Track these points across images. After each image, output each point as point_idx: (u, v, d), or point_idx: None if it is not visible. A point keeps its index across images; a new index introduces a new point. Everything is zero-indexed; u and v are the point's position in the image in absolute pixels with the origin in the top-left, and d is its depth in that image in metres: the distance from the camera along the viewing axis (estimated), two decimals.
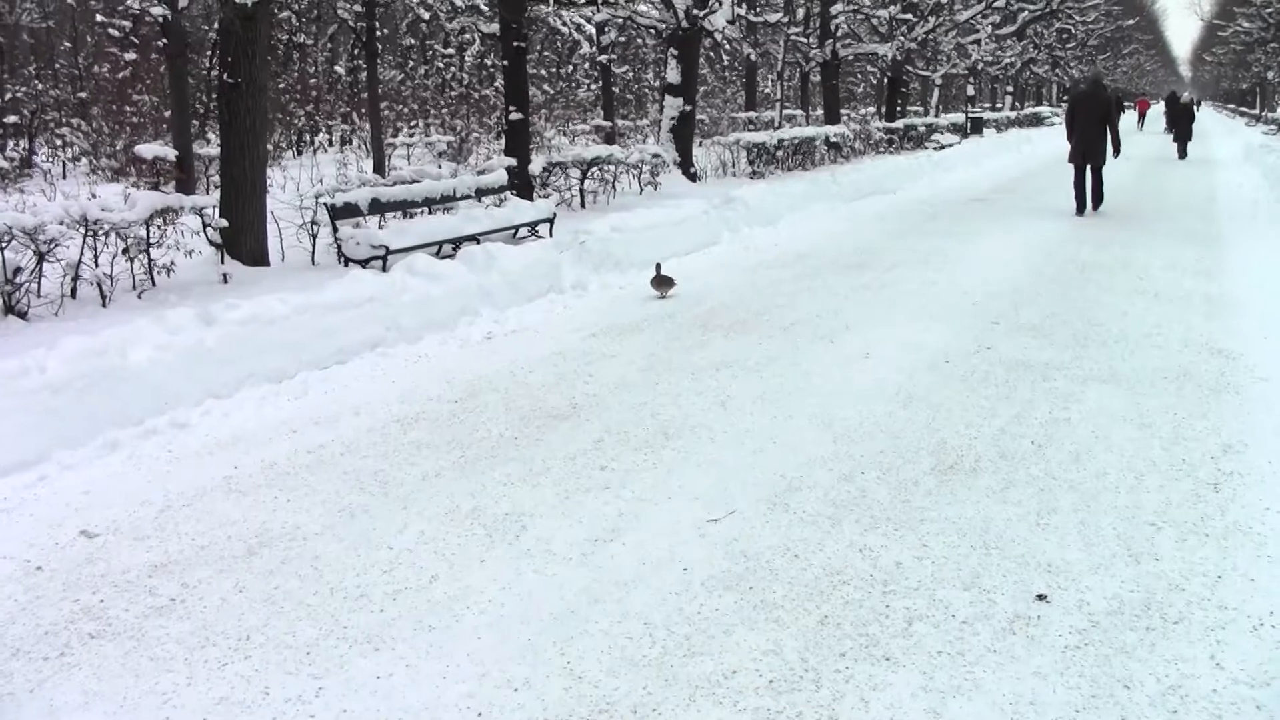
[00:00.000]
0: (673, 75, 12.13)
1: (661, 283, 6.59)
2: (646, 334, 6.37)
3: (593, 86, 25.79)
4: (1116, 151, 9.88)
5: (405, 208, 10.06)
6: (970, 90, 24.25)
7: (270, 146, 11.25)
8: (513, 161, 10.13)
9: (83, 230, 6.06)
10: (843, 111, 18.51)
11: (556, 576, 2.88)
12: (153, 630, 2.57)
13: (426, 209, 10.42)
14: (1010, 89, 35.03)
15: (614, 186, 13.85)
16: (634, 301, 8.13)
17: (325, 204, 8.59)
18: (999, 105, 36.33)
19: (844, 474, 3.65)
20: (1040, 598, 2.55)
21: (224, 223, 7.23)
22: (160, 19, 9.87)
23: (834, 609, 2.62)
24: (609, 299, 8.34)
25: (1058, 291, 6.13)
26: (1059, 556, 2.77)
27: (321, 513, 3.51)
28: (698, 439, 4.20)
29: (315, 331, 5.79)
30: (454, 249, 9.77)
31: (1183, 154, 17.16)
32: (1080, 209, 9.62)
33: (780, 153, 14.18)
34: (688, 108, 12.49)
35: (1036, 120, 32.37)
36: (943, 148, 17.31)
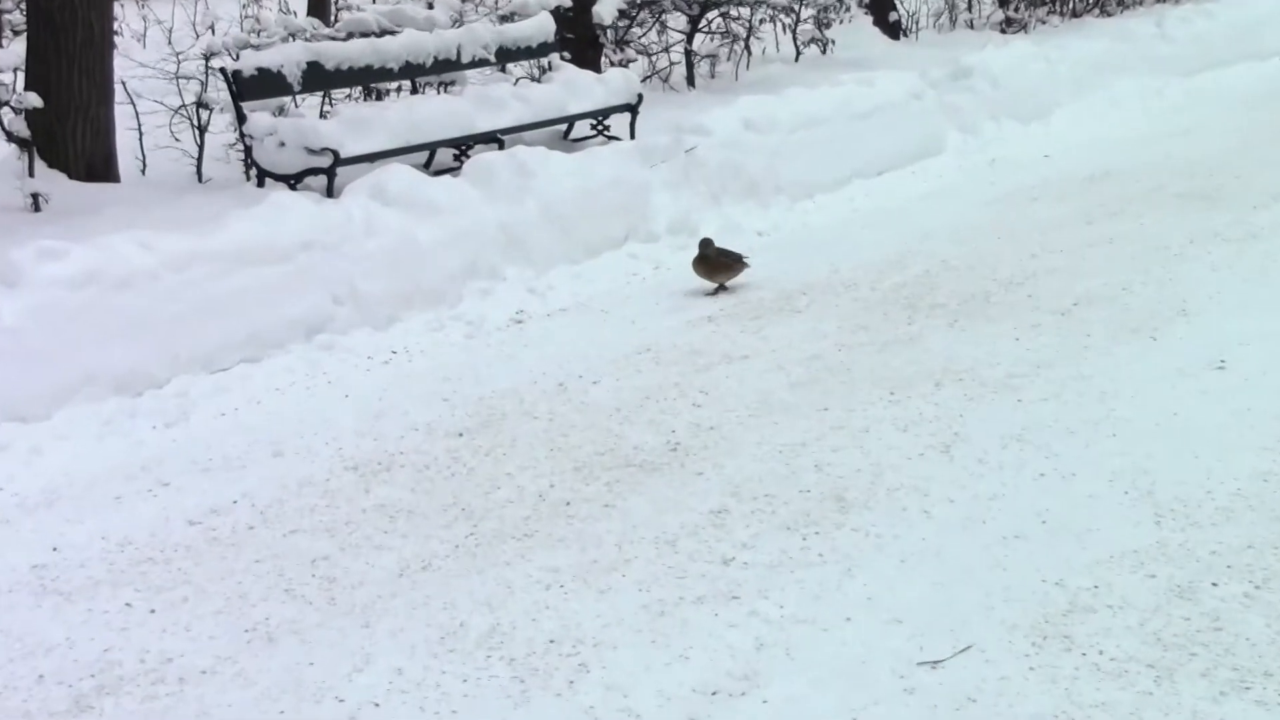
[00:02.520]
0: None
1: (713, 266, 6.99)
2: (806, 317, 6.82)
3: None
4: None
5: (370, 81, 9.80)
6: None
7: None
8: None
9: None
10: None
11: None
12: None
13: (408, 84, 10.22)
14: None
15: (748, 47, 13.06)
16: (781, 257, 8.18)
17: (223, 72, 9.06)
18: None
19: (1178, 585, 3.80)
20: None
21: (35, 100, 7.12)
22: None
23: None
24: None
25: None
26: None
27: (215, 634, 3.75)
28: (900, 511, 4.55)
29: (204, 303, 6.10)
30: (458, 158, 9.60)
31: None
32: None
33: None
34: None
35: None
36: None
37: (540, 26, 10.82)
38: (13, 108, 7.70)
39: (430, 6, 10.87)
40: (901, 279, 7.62)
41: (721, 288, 7.19)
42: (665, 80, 13.08)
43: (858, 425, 5.41)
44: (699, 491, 4.81)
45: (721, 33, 13.14)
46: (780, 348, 6.56)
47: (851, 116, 10.38)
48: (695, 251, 7.78)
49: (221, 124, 9.86)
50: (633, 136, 10.81)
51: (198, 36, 10.50)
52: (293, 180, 8.95)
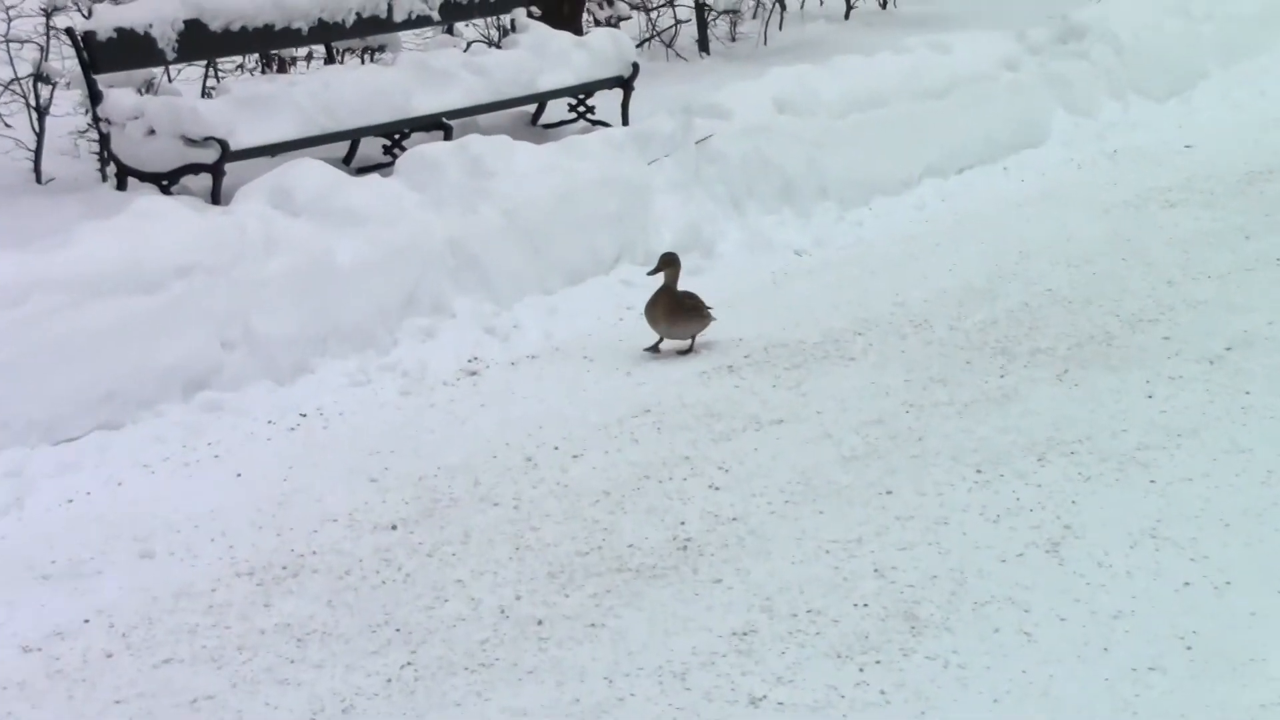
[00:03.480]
0: None
1: (669, 311, 7.14)
2: (863, 367, 7.02)
3: None
4: None
5: (270, 46, 10.01)
6: None
7: None
8: None
9: None
10: None
11: None
12: None
13: (322, 50, 10.47)
14: None
15: (781, 0, 13.26)
16: (828, 285, 8.27)
17: (70, 34, 9.17)
18: None
19: None
20: None
21: None
22: None
23: None
24: (766, 275, 8.46)
25: None
26: None
27: None
28: (991, 633, 4.63)
29: (44, 348, 6.20)
30: (389, 150, 9.90)
31: None
32: None
33: None
34: None
35: None
36: None
37: None
38: None
39: None
40: (991, 315, 7.67)
41: (683, 348, 7.23)
42: (669, 45, 13.21)
43: (933, 515, 5.43)
44: (717, 605, 4.83)
45: None
46: (828, 408, 6.58)
47: (921, 94, 10.48)
48: (701, 278, 7.85)
49: (68, 104, 9.90)
50: (625, 121, 10.92)
51: None
52: (165, 181, 9.04)
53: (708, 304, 7.31)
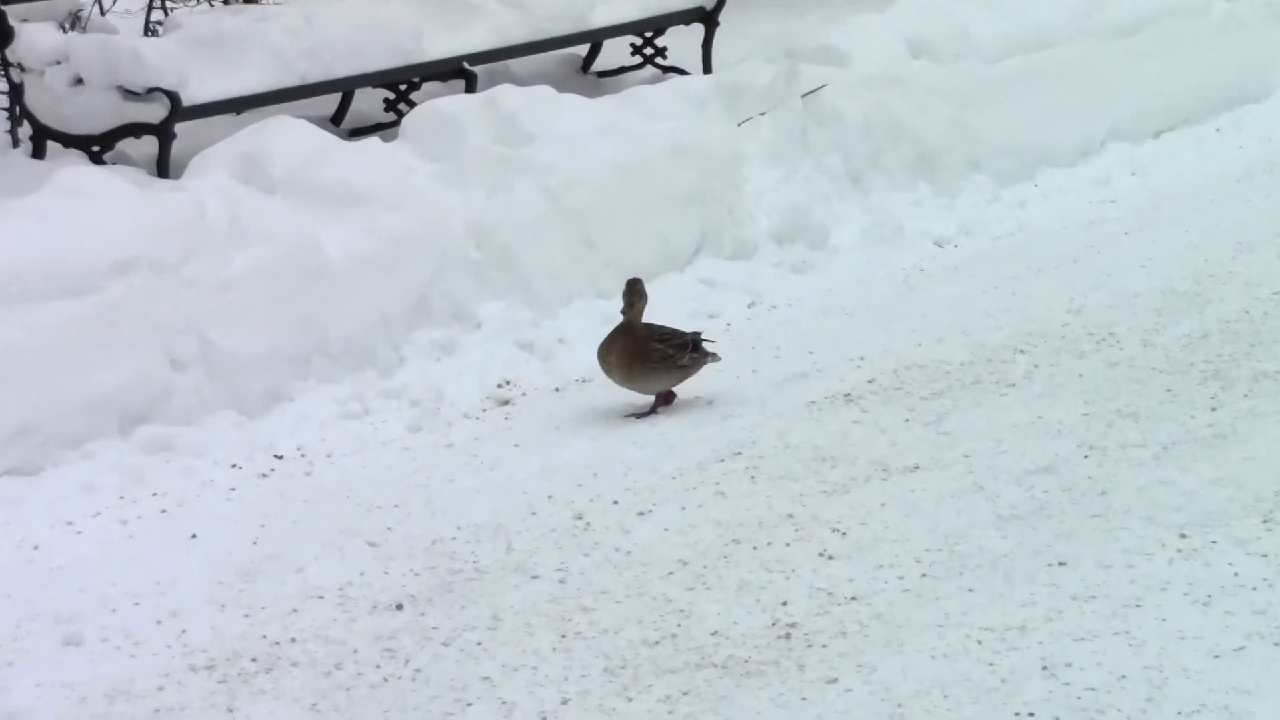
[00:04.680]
0: None
1: (628, 357, 7.09)
2: (1025, 396, 7.13)
3: None
4: None
5: None
6: None
7: None
8: None
9: None
10: None
11: None
12: None
13: None
14: None
15: None
16: (979, 287, 8.36)
17: None
18: None
19: None
20: None
21: None
22: None
23: None
24: (896, 273, 8.52)
25: None
26: None
27: None
28: None
29: None
30: (393, 106, 10.19)
31: None
32: None
33: None
34: None
35: None
36: None
37: None
38: None
39: None
40: (1199, 326, 7.66)
41: (663, 399, 7.22)
42: None
43: (1121, 594, 5.42)
44: (831, 714, 4.81)
45: None
46: (979, 451, 6.60)
47: (1105, 31, 10.56)
48: (810, 277, 7.86)
49: None
50: (708, 68, 10.94)
51: None
52: (97, 146, 9.17)
53: (704, 340, 7.30)
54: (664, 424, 6.98)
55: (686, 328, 7.70)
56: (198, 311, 6.97)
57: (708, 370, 7.34)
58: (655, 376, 7.14)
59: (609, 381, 7.19)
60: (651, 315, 7.75)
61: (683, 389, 7.23)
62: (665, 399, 7.22)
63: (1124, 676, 4.99)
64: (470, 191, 7.87)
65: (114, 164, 8.66)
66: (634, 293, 7.18)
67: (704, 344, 7.29)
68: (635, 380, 7.13)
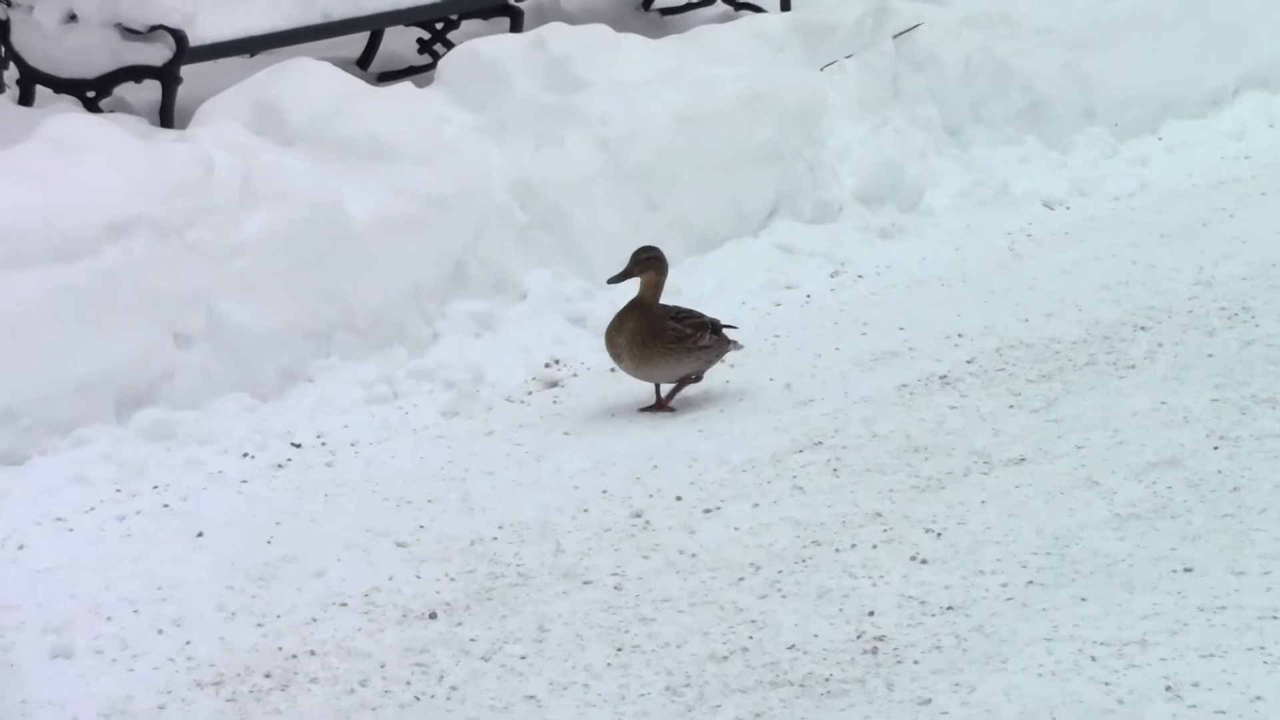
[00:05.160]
0: None
1: (639, 339, 7.00)
2: (1147, 378, 7.17)
3: None
4: None
5: None
6: None
7: None
8: None
9: None
10: None
11: None
12: None
13: None
14: None
15: None
16: (1094, 254, 8.35)
17: None
18: None
19: None
20: None
21: None
22: None
23: None
24: (1000, 239, 8.54)
25: None
26: None
27: None
28: None
29: None
30: (426, 47, 10.33)
31: None
32: None
33: None
34: None
35: None
36: None
37: None
38: None
39: None
40: None
41: (673, 389, 7.21)
42: None
43: (1255, 604, 5.37)
44: None
45: None
46: (1094, 442, 6.57)
47: None
48: (901, 243, 7.80)
49: None
50: (786, 6, 10.91)
51: None
52: (93, 92, 9.20)
53: (724, 325, 7.25)
54: (734, 410, 6.98)
55: (759, 301, 7.70)
56: (205, 280, 6.99)
57: (784, 349, 7.35)
58: (672, 360, 7.07)
59: (618, 371, 7.17)
60: (722, 287, 7.76)
61: (713, 376, 7.26)
62: (680, 386, 7.18)
63: (1259, 698, 4.94)
64: (514, 145, 7.87)
65: (111, 112, 8.66)
66: (646, 264, 7.10)
67: (725, 329, 7.24)
68: (649, 364, 7.05)
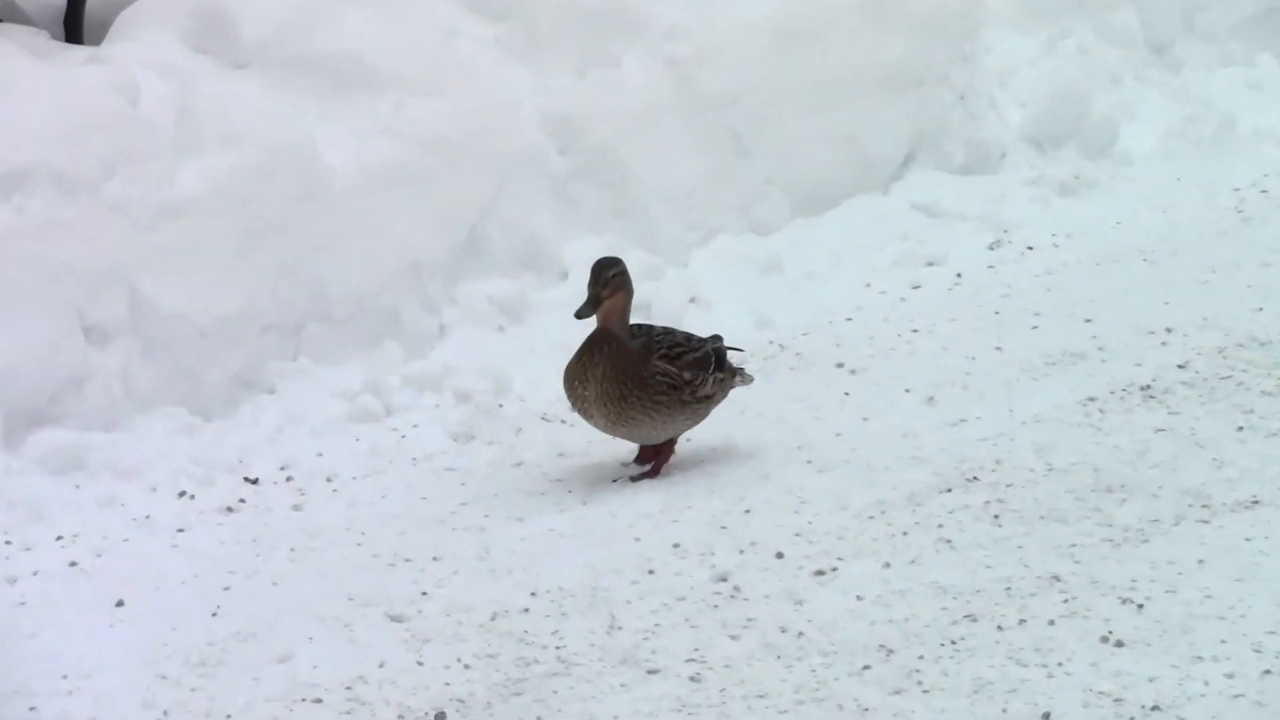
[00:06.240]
0: None
1: (608, 386, 6.92)
2: None
3: None
4: None
5: None
6: None
7: None
8: None
9: None
10: None
11: None
12: None
13: None
14: None
15: None
16: None
17: None
18: None
19: None
20: None
21: None
22: None
23: None
24: (1222, 196, 8.64)
25: None
26: None
27: None
28: None
29: None
30: None
31: None
32: None
33: None
34: None
35: None
36: None
37: None
38: None
39: None
40: None
41: (665, 447, 7.14)
42: None
43: None
44: None
45: None
46: None
47: None
48: (1087, 202, 7.80)
49: None
50: None
51: None
52: None
53: (726, 346, 7.15)
54: (855, 433, 7.00)
55: (890, 282, 7.68)
56: (127, 252, 7.06)
57: (924, 349, 7.39)
58: (660, 416, 6.97)
59: (585, 424, 7.05)
60: (838, 264, 7.75)
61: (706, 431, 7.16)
62: (670, 449, 7.11)
63: None
64: (549, 67, 7.91)
65: (3, 27, 8.68)
66: (604, 280, 6.91)
67: (727, 353, 7.13)
68: (628, 423, 6.97)
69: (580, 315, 6.79)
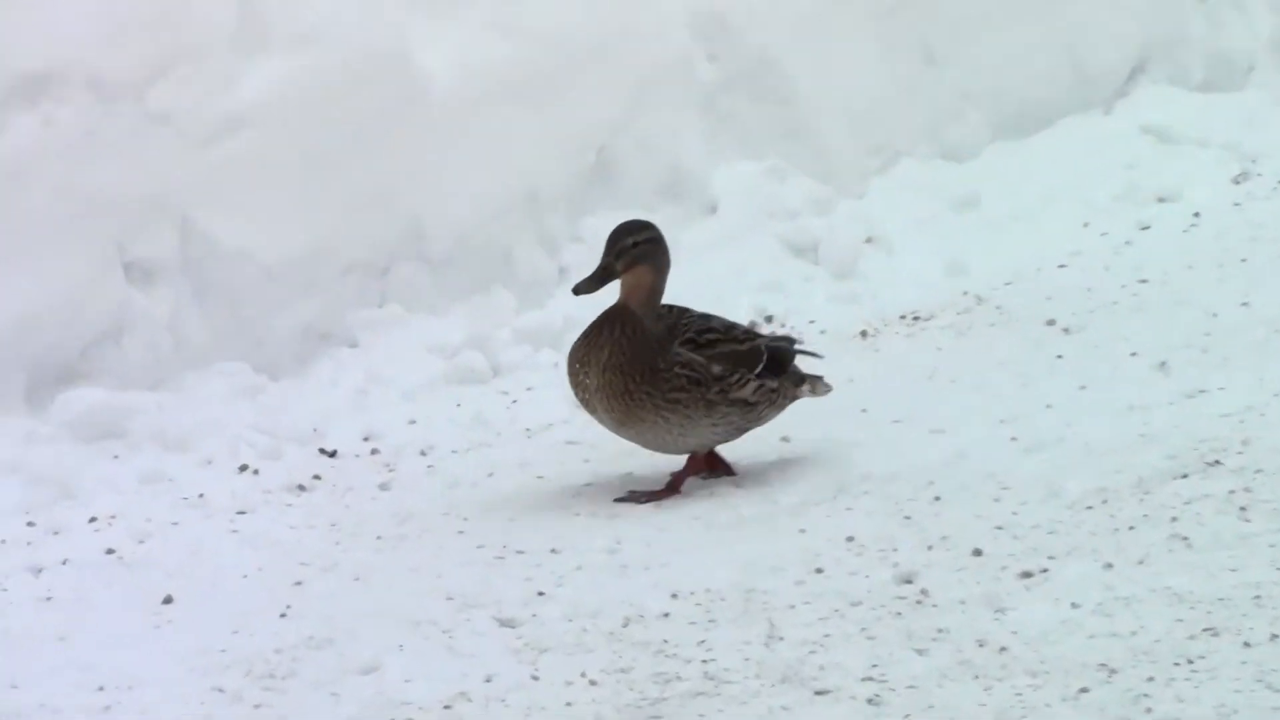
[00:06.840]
0: None
1: (615, 379, 6.92)
2: None
3: None
4: None
5: None
6: None
7: None
8: None
9: None
10: None
11: None
12: None
13: None
14: None
15: None
16: None
17: None
18: None
19: None
20: None
21: None
22: None
23: None
24: None
25: None
26: None
27: None
28: None
29: None
30: None
31: None
32: None
33: None
34: None
35: None
36: None
37: None
38: None
39: None
40: None
41: (690, 464, 7.04)
42: None
43: None
44: None
45: None
46: None
47: None
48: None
49: None
50: None
51: None
52: None
53: (798, 348, 7.06)
54: (1068, 403, 6.99)
55: (1112, 222, 7.64)
56: (177, 174, 7.08)
57: (1154, 302, 7.37)
58: (676, 419, 6.91)
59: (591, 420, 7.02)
60: (1051, 198, 7.71)
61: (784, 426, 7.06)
62: (698, 466, 7.01)
63: None
64: None
65: None
66: (620, 249, 6.87)
67: (798, 355, 6.99)
68: (635, 422, 6.93)
69: (577, 291, 6.78)
